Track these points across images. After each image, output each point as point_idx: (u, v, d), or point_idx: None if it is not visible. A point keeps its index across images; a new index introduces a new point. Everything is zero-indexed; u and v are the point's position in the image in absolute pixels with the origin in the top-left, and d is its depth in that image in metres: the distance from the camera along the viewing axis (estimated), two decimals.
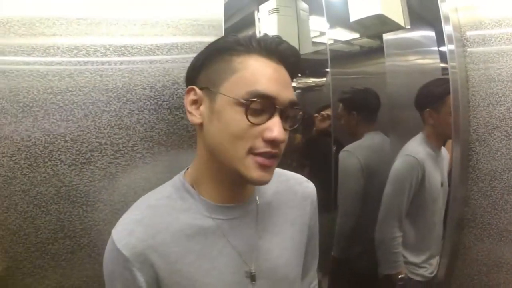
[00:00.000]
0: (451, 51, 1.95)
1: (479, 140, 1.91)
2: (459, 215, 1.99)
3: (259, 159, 0.91)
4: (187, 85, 1.05)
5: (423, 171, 2.03)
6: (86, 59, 1.33)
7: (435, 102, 2.09)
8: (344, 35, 2.60)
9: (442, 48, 2.40)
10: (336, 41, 2.58)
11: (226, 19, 1.54)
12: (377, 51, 2.56)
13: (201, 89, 0.97)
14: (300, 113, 0.99)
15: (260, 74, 0.91)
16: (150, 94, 1.39)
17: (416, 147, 2.13)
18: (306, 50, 2.54)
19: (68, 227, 1.35)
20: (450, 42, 1.95)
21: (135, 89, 1.38)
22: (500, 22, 1.82)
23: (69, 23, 1.32)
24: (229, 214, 1.02)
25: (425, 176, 2.04)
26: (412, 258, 2.14)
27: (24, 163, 1.29)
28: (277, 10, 2.43)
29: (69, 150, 1.32)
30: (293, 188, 1.18)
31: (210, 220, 1.00)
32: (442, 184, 2.13)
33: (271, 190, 1.12)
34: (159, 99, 1.41)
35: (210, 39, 1.40)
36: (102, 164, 1.36)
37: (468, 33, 1.94)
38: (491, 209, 1.88)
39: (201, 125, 0.98)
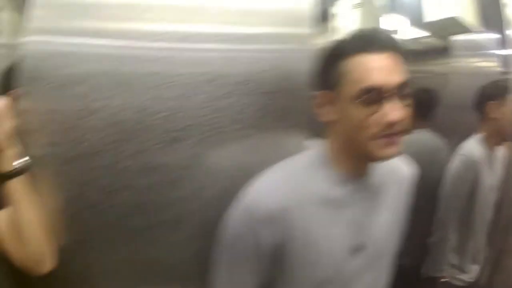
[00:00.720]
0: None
1: None
2: (508, 220, 2.08)
3: (384, 141, 1.01)
4: (313, 89, 1.17)
5: (477, 172, 2.05)
6: (181, 45, 1.37)
7: (502, 95, 2.12)
8: (415, 33, 2.64)
9: (503, 52, 2.46)
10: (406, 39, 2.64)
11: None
12: (444, 51, 2.61)
13: (325, 93, 1.09)
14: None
15: (364, 69, 1.01)
16: (240, 79, 1.43)
17: (471, 147, 2.14)
18: None
19: (148, 203, 1.38)
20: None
21: (228, 75, 1.41)
22: None
23: (166, 10, 1.37)
24: (354, 188, 1.13)
25: (479, 177, 2.06)
26: (455, 261, 2.17)
27: (112, 138, 1.32)
28: (361, 5, 2.49)
29: (159, 128, 1.35)
30: (396, 169, 1.28)
31: (339, 191, 1.12)
32: (491, 188, 2.16)
33: (380, 170, 1.20)
34: (249, 84, 1.43)
35: (298, 30, 1.50)
36: (190, 143, 1.39)
37: None
38: None
39: (331, 122, 1.11)
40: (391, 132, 1.01)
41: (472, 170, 2.04)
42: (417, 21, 2.49)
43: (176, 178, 1.39)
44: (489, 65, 2.70)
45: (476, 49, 2.73)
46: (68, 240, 1.33)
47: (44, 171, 1.29)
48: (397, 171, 1.28)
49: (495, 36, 2.62)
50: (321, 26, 2.56)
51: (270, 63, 1.46)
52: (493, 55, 2.67)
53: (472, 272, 2.24)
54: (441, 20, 2.20)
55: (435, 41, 2.64)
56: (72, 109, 1.31)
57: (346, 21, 2.55)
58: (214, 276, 1.19)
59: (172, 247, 1.41)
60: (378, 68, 1.01)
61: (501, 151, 2.28)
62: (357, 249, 1.14)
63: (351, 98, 1.02)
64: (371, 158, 1.08)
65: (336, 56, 1.07)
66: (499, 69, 2.64)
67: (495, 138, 2.19)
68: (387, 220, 1.22)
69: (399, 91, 1.01)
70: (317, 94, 1.13)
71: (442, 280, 2.12)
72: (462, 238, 2.16)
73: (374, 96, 1.00)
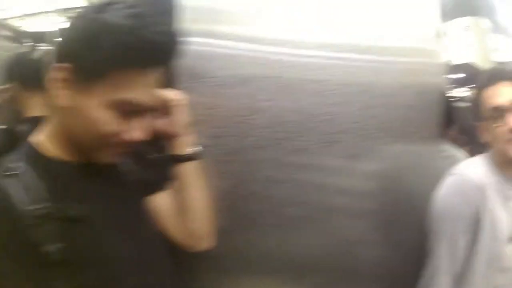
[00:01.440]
0: None
1: None
2: None
3: None
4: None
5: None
6: (337, 54, 1.54)
7: None
8: None
9: None
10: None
11: None
12: None
13: (480, 122, 1.55)
14: None
15: (487, 98, 1.50)
16: (388, 92, 1.58)
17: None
18: (488, 65, 2.75)
19: (306, 195, 1.53)
20: None
21: (377, 87, 1.57)
22: None
23: (324, 22, 1.54)
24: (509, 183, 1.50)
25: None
26: None
27: (278, 135, 1.48)
28: (469, 28, 2.65)
29: (318, 129, 1.51)
30: None
31: (505, 185, 1.50)
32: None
33: None
34: (394, 98, 1.58)
35: (428, 45, 1.65)
36: (346, 145, 1.55)
37: None
38: None
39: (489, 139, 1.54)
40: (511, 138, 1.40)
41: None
42: None
43: (331, 176, 1.56)
44: None
45: None
46: (226, 223, 1.40)
47: (208, 159, 1.35)
48: None
49: None
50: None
51: (412, 78, 1.62)
52: None
53: None
54: None
55: None
56: (237, 107, 1.46)
57: (458, 41, 2.74)
58: (438, 251, 1.47)
59: (320, 239, 1.56)
60: (496, 94, 1.44)
61: None
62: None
63: (486, 120, 1.48)
64: (508, 158, 1.44)
65: (476, 96, 1.53)
66: None
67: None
68: None
69: None
70: (478, 125, 1.54)
71: None
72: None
73: (498, 113, 1.42)
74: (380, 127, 1.58)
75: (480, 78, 1.57)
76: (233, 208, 1.47)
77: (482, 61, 2.87)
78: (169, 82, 1.33)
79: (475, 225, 1.44)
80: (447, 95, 2.15)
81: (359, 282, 1.60)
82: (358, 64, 1.54)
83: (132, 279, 0.99)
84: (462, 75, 2.98)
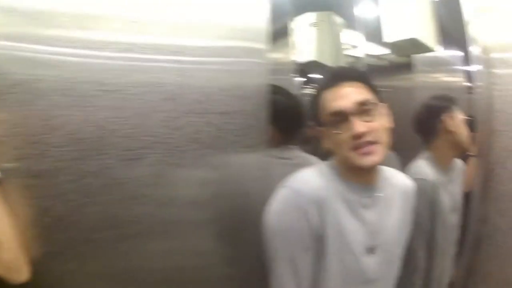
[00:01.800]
0: (477, 72, 2.05)
1: (499, 162, 1.98)
2: (478, 234, 2.05)
3: (358, 150, 1.26)
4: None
5: (435, 194, 1.98)
6: (140, 56, 1.41)
7: (452, 108, 2.10)
8: (375, 50, 2.72)
9: (468, 68, 2.49)
10: (368, 55, 2.71)
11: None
12: (406, 67, 2.69)
13: (314, 127, 1.42)
14: (376, 103, 1.32)
15: (327, 101, 1.33)
16: (200, 98, 1.50)
17: (424, 171, 2.03)
18: (339, 62, 2.68)
19: (114, 218, 1.43)
20: (476, 63, 2.04)
21: (186, 92, 1.48)
22: None
23: (124, 22, 1.41)
24: (364, 192, 1.37)
25: (437, 199, 1.99)
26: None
27: (75, 155, 1.36)
28: (317, 24, 2.57)
29: (120, 145, 1.40)
30: (401, 182, 1.52)
31: (353, 194, 1.35)
32: (453, 210, 2.10)
33: (387, 183, 1.45)
34: (207, 104, 1.51)
35: (257, 45, 1.59)
36: (151, 161, 1.44)
37: (495, 55, 2.02)
38: (506, 228, 1.96)
39: (329, 146, 1.38)
40: (360, 143, 1.26)
41: (431, 193, 1.96)
42: (377, 38, 2.57)
43: (137, 196, 1.45)
44: (454, 80, 2.79)
45: (440, 65, 2.85)
46: (41, 252, 1.36)
47: (14, 183, 1.31)
48: (403, 184, 1.52)
49: (458, 53, 2.73)
50: (280, 41, 2.68)
51: (228, 80, 1.54)
52: (458, 70, 2.77)
53: None
54: (401, 41, 2.26)
55: (397, 58, 2.71)
56: (34, 124, 1.34)
57: (303, 38, 2.69)
58: (275, 266, 1.34)
59: (141, 259, 1.48)
60: (338, 97, 1.30)
61: (457, 169, 2.23)
62: (370, 250, 1.37)
63: (326, 125, 1.33)
64: (357, 167, 1.29)
65: (313, 99, 1.41)
66: (464, 84, 2.72)
67: (448, 154, 2.13)
68: (395, 225, 1.44)
69: (359, 109, 1.27)
70: (316, 129, 1.41)
71: None
72: (427, 265, 2.07)
73: (338, 118, 1.29)
74: (192, 137, 1.49)
75: (320, 78, 1.45)
76: (43, 236, 1.37)
77: (332, 58, 2.81)
78: None
79: (318, 241, 1.31)
80: (291, 95, 2.04)
81: None
82: (165, 66, 1.45)
83: None
84: (308, 74, 2.95)
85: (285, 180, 1.37)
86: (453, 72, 2.84)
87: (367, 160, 1.27)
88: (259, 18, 1.61)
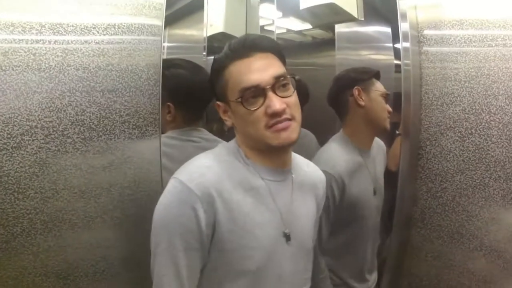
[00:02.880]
0: (406, 49, 1.97)
1: (430, 139, 1.92)
2: (406, 215, 2.00)
3: (275, 128, 1.17)
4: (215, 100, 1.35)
5: (342, 186, 1.82)
6: (21, 36, 1.31)
7: (365, 80, 1.93)
8: (295, 24, 2.63)
9: (397, 45, 2.43)
10: (287, 30, 2.61)
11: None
12: (328, 43, 2.62)
13: (221, 102, 1.29)
14: (294, 77, 1.25)
15: (239, 74, 1.21)
16: (83, 75, 1.39)
17: (334, 156, 1.89)
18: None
19: (1, 216, 1.30)
20: (406, 39, 1.97)
21: (68, 70, 1.37)
22: (462, 22, 1.85)
23: None
24: (274, 176, 1.29)
25: (346, 188, 1.83)
26: (348, 279, 1.98)
27: None
28: None
29: (1, 133, 1.28)
30: (312, 171, 1.48)
31: (260, 180, 1.26)
32: (374, 192, 1.96)
33: (299, 169, 1.40)
34: (91, 81, 1.41)
35: (151, 21, 1.54)
36: (33, 149, 1.33)
37: (426, 32, 1.97)
38: (441, 210, 1.91)
39: (233, 124, 1.29)
40: (278, 120, 1.17)
41: (331, 188, 1.77)
42: (295, 11, 2.49)
43: (21, 189, 1.32)
44: (382, 58, 2.76)
45: (366, 42, 2.82)
46: None
47: None
48: (315, 173, 1.49)
49: (388, 29, 2.69)
50: (193, 16, 2.59)
51: (116, 56, 1.45)
52: (386, 48, 2.73)
53: (370, 281, 2.07)
54: (318, 7, 2.14)
55: (318, 33, 2.64)
56: None
57: (215, 11, 2.60)
58: (156, 263, 1.20)
59: (33, 257, 1.37)
60: (252, 69, 1.19)
61: (376, 148, 2.10)
62: (284, 236, 1.28)
63: (235, 101, 1.20)
64: (270, 147, 1.21)
65: (217, 71, 1.28)
66: (393, 62, 2.69)
67: (364, 132, 1.96)
68: (308, 213, 1.40)
69: (276, 85, 1.19)
70: (216, 105, 1.32)
71: None
72: (347, 255, 1.96)
73: (253, 93, 1.18)
74: (75, 119, 1.38)
75: (227, 47, 1.28)
76: None
77: (243, 31, 2.74)
78: None
79: (208, 238, 1.19)
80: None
81: None
82: (43, 46, 1.34)
83: None
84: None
85: (179, 169, 1.26)
86: (380, 49, 2.81)
87: (284, 139, 1.19)
88: None
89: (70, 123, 1.38)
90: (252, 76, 1.18)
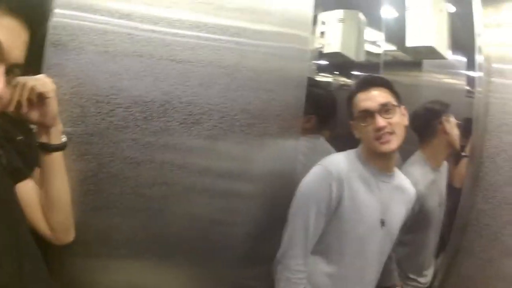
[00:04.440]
0: (479, 78, 2.36)
1: (488, 157, 2.33)
2: (465, 218, 2.40)
3: (380, 140, 1.66)
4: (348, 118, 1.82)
5: (421, 202, 2.21)
6: (206, 35, 1.61)
7: (447, 111, 2.37)
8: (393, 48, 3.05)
9: (471, 73, 2.81)
10: (385, 52, 3.06)
11: None
12: (417, 65, 3.04)
13: (350, 122, 1.81)
14: (397, 106, 1.71)
15: (359, 101, 1.73)
16: (252, 75, 1.71)
17: (416, 177, 2.21)
18: (360, 56, 3.07)
19: (167, 175, 1.59)
20: (480, 70, 2.35)
21: (242, 70, 1.68)
22: None
23: (194, 2, 1.60)
24: (382, 178, 1.76)
25: (423, 204, 2.25)
26: (409, 273, 2.40)
27: (139, 115, 1.52)
28: (343, 21, 2.90)
29: (182, 110, 1.58)
30: (407, 186, 1.92)
31: (373, 178, 1.75)
32: (439, 204, 2.39)
33: (398, 178, 1.86)
34: (257, 81, 1.72)
35: (298, 31, 1.80)
36: (208, 126, 1.63)
37: (495, 65, 2.35)
38: (490, 213, 2.31)
39: (359, 135, 1.78)
40: (382, 134, 1.64)
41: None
42: (393, 40, 2.92)
43: (192, 157, 1.62)
44: (456, 82, 3.15)
45: (446, 68, 3.20)
46: (90, 207, 1.48)
47: (69, 142, 1.36)
48: (410, 186, 1.92)
49: (463, 58, 3.11)
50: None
51: (276, 62, 1.74)
52: (461, 74, 3.14)
53: (427, 277, 2.46)
54: (420, 47, 2.52)
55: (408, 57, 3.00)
56: (100, 85, 1.47)
57: (332, 31, 3.04)
58: (291, 221, 1.68)
59: (182, 219, 1.65)
60: (367, 98, 1.70)
61: (443, 167, 2.51)
62: (382, 223, 1.73)
63: (356, 119, 1.72)
64: (378, 153, 1.69)
65: (349, 98, 1.78)
66: (465, 87, 3.10)
67: (442, 154, 2.41)
68: (399, 213, 1.83)
69: (382, 109, 1.67)
70: (350, 122, 1.79)
71: None
72: (412, 254, 2.37)
73: (366, 114, 1.67)
74: (244, 108, 1.70)
75: (355, 83, 1.96)
76: (95, 191, 1.51)
77: (354, 52, 3.11)
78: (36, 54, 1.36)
79: (333, 208, 1.67)
80: (312, 81, 2.32)
81: (221, 261, 1.76)
82: (224, 46, 1.64)
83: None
84: (329, 62, 3.33)
85: (320, 160, 1.76)
86: (456, 75, 3.17)
87: (386, 147, 1.66)
88: (306, 8, 1.84)
89: (240, 110, 1.69)
90: (366, 103, 1.70)
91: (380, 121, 1.65)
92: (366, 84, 1.75)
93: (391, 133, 1.66)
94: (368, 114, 1.68)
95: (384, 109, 1.68)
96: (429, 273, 2.49)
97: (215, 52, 1.63)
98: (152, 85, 1.53)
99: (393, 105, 1.70)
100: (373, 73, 2.87)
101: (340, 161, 1.74)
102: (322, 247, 1.72)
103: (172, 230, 1.63)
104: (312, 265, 1.71)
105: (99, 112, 1.48)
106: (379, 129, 1.65)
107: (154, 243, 1.62)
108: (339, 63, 3.26)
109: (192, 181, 1.64)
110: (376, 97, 1.70)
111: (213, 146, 1.65)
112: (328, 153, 1.96)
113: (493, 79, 2.35)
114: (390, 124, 1.66)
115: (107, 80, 1.48)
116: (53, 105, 1.21)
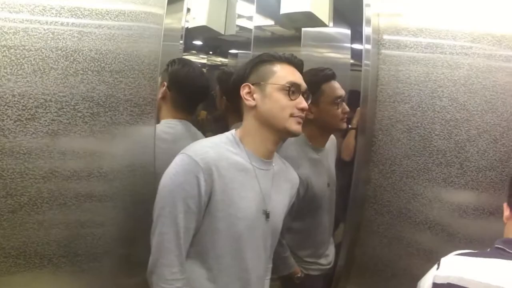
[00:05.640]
0: (367, 51, 2.25)
1: (382, 130, 2.23)
2: (361, 193, 2.29)
3: (297, 119, 1.58)
4: (237, 85, 1.64)
5: (306, 185, 2.13)
6: (41, 17, 1.43)
7: (313, 93, 2.08)
8: (268, 22, 2.87)
9: (357, 46, 2.70)
10: (257, 27, 2.86)
11: None
12: (294, 40, 2.88)
13: (253, 84, 1.61)
14: (309, 94, 1.70)
15: (291, 72, 1.63)
16: (95, 56, 1.56)
17: (297, 157, 2.16)
18: (230, 31, 2.88)
19: (10, 185, 1.41)
20: (368, 42, 2.25)
21: (82, 50, 1.53)
22: (418, 32, 2.16)
23: None
24: (261, 165, 1.62)
25: (309, 187, 2.14)
26: (306, 258, 2.30)
27: None
28: None
29: (16, 105, 1.39)
30: (289, 170, 1.83)
31: (250, 165, 1.59)
32: (328, 184, 2.29)
33: (279, 163, 1.76)
34: (102, 62, 1.59)
35: (154, 9, 1.75)
36: (46, 121, 1.46)
37: (386, 37, 2.27)
38: (390, 189, 2.21)
39: (254, 106, 1.59)
40: (300, 115, 1.58)
41: (301, 190, 2.08)
42: (271, 11, 2.73)
43: (32, 159, 1.44)
44: (340, 57, 3.05)
45: (329, 41, 3.10)
46: None
47: None
48: (291, 171, 1.84)
49: (348, 31, 3.00)
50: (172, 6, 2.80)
51: (123, 41, 1.63)
52: (345, 48, 3.04)
53: (328, 257, 2.37)
54: (296, 13, 2.40)
55: (286, 31, 2.88)
56: None
57: (198, 5, 2.87)
58: (158, 224, 1.49)
59: (37, 229, 1.49)
60: (297, 75, 1.64)
61: (330, 143, 2.40)
62: (264, 213, 1.61)
63: (278, 88, 1.58)
64: (287, 131, 1.59)
65: (266, 61, 1.65)
66: (350, 61, 3.00)
67: (320, 136, 2.27)
68: (282, 201, 1.73)
69: (305, 91, 1.64)
70: (244, 85, 1.63)
71: (297, 275, 2.22)
72: (305, 236, 2.27)
73: (297, 89, 1.59)
74: (86, 95, 1.55)
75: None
76: None
77: (222, 26, 2.99)
78: None
79: (204, 204, 1.49)
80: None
81: (96, 264, 1.65)
82: (60, 28, 1.47)
83: None
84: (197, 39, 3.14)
85: (186, 147, 1.55)
86: (340, 49, 3.08)
87: (297, 128, 1.60)
88: None
89: (81, 99, 1.53)
90: (298, 79, 1.62)
91: (305, 102, 1.63)
92: (295, 61, 1.69)
93: (303, 118, 1.67)
94: (296, 90, 1.60)
95: (306, 93, 1.69)
96: (330, 252, 2.42)
97: (47, 35, 1.46)
98: None
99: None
100: (244, 49, 2.70)
101: (209, 148, 1.53)
102: (198, 249, 1.55)
103: (30, 244, 1.49)
104: (190, 271, 1.54)
105: None
106: (302, 109, 1.60)
107: (15, 259, 1.47)
108: (209, 40, 3.05)
109: (37, 188, 1.47)
110: (301, 78, 1.67)
111: (53, 144, 1.49)
112: (195, 139, 1.76)
113: (383, 50, 2.27)
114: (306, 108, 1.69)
115: None
116: None
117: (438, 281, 1.23)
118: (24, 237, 1.46)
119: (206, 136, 2.09)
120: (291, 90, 1.58)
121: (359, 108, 2.33)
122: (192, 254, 1.54)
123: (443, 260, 1.29)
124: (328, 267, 2.38)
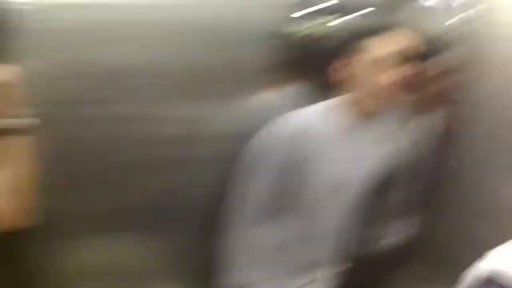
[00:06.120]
0: None
1: None
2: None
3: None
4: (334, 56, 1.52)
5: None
6: None
7: None
8: None
9: None
10: None
11: None
12: None
13: (345, 58, 1.50)
14: None
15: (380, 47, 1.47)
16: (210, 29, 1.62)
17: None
18: None
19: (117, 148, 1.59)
20: None
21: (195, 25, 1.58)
22: None
23: None
24: (350, 138, 1.52)
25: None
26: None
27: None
28: None
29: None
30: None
31: (337, 137, 1.51)
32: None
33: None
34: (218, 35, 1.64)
35: None
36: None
37: None
38: None
39: (344, 79, 1.50)
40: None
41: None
42: None
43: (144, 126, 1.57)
44: None
45: None
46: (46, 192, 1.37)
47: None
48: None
49: None
50: None
51: (239, 14, 1.68)
52: None
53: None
54: None
55: None
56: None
57: None
58: (242, 186, 1.51)
59: (140, 191, 1.61)
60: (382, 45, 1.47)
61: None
62: (341, 186, 1.53)
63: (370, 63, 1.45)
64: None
65: (359, 37, 1.48)
66: None
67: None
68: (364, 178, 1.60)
69: None
70: (340, 59, 1.50)
71: None
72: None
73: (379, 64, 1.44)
74: (206, 66, 1.61)
75: (362, 27, 1.61)
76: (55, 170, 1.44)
77: None
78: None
79: (292, 168, 1.48)
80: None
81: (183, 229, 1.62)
82: (176, 2, 1.54)
83: None
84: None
85: (282, 115, 1.53)
86: None
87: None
88: None
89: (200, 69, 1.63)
90: (379, 51, 1.46)
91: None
92: (378, 29, 1.53)
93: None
94: (380, 65, 1.46)
95: None
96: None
97: (165, 10, 1.54)
98: (99, 53, 1.54)
99: None
100: None
101: (310, 116, 1.52)
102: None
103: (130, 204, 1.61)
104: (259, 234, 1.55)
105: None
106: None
107: (109, 218, 1.58)
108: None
109: (148, 151, 1.60)
110: (389, 44, 1.52)
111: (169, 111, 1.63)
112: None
113: None
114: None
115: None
116: (14, 92, 1.18)
117: (479, 274, 1.22)
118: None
119: None
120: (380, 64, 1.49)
121: None
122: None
123: (490, 252, 1.28)
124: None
